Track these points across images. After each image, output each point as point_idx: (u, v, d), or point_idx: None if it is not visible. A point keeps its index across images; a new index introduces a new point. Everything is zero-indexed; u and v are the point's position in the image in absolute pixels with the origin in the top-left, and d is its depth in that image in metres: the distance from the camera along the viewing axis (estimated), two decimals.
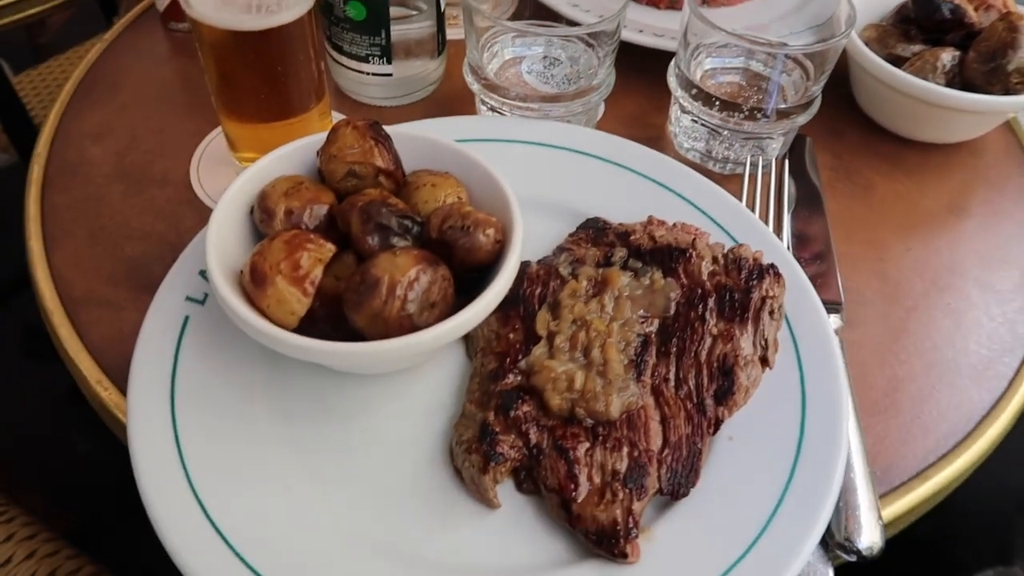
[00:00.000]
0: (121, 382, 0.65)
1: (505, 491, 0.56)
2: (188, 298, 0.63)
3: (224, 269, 0.57)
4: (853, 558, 0.56)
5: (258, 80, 0.68)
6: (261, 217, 0.60)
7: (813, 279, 0.71)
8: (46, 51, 2.12)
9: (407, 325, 0.53)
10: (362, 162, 0.61)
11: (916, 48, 0.85)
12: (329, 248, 0.57)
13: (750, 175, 0.82)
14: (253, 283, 0.55)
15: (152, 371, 0.59)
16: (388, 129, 0.65)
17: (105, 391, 0.65)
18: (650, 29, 0.93)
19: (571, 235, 0.71)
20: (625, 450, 0.55)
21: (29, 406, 1.62)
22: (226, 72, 0.68)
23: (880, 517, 0.57)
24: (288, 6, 0.64)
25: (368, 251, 0.57)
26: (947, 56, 0.81)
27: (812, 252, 0.75)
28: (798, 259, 0.73)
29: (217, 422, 0.58)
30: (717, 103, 0.79)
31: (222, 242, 0.59)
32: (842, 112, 0.92)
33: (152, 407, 0.57)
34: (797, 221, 0.79)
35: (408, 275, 0.53)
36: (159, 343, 0.61)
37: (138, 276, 0.73)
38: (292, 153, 0.64)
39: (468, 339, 0.65)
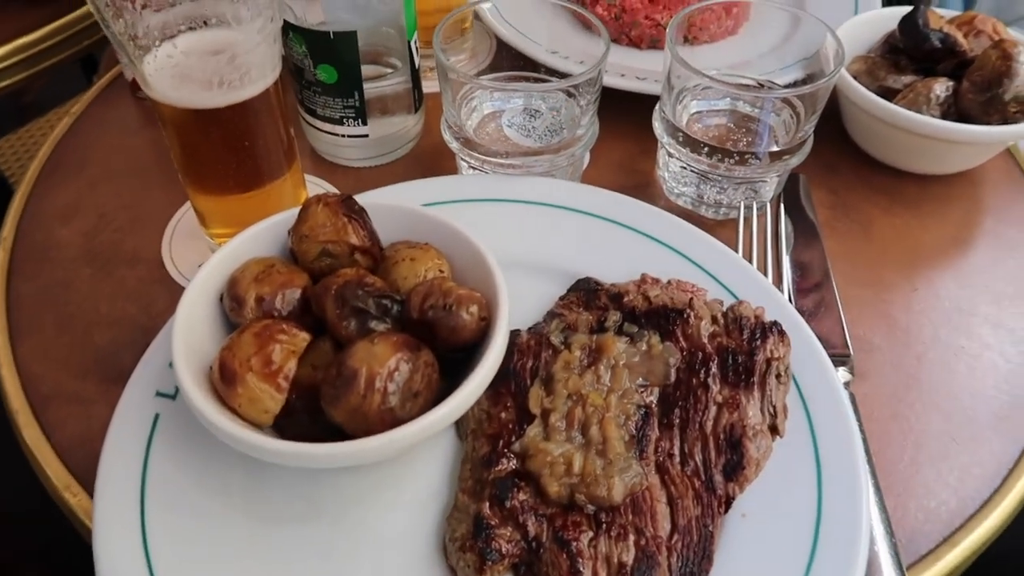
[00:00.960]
0: (91, 485, 0.60)
1: None
2: (159, 393, 0.59)
3: (193, 365, 0.53)
4: None
5: (225, 155, 0.65)
6: (231, 305, 0.57)
7: (818, 328, 0.67)
8: (31, 111, 2.09)
9: (389, 419, 0.50)
10: (336, 240, 0.58)
11: (907, 79, 0.82)
12: (303, 337, 0.53)
13: (745, 219, 0.79)
14: (223, 381, 0.52)
15: (120, 476, 0.55)
16: (363, 200, 0.62)
17: (74, 497, 0.61)
18: (632, 72, 0.91)
19: (561, 298, 0.67)
20: (631, 538, 0.52)
21: None
22: (191, 149, 0.65)
23: None
24: (252, 80, 0.61)
25: (346, 337, 0.54)
26: (940, 87, 0.79)
27: (814, 299, 0.72)
28: (800, 308, 0.70)
29: (191, 529, 0.53)
30: (705, 148, 0.76)
31: (190, 334, 0.55)
32: (835, 146, 0.89)
33: (120, 515, 0.53)
34: (797, 265, 0.76)
35: (388, 365, 0.50)
36: (127, 445, 0.57)
37: (108, 366, 0.69)
38: (262, 233, 0.61)
39: (458, 419, 0.61)
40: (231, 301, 0.56)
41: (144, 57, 0.58)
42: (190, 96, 0.60)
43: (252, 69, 0.61)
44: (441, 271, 0.59)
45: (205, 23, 0.59)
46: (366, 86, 0.79)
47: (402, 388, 0.50)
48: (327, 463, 0.50)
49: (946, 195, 0.85)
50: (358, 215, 0.59)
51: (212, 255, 0.58)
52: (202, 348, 0.56)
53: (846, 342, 0.68)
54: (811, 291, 0.73)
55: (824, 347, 0.62)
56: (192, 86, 0.59)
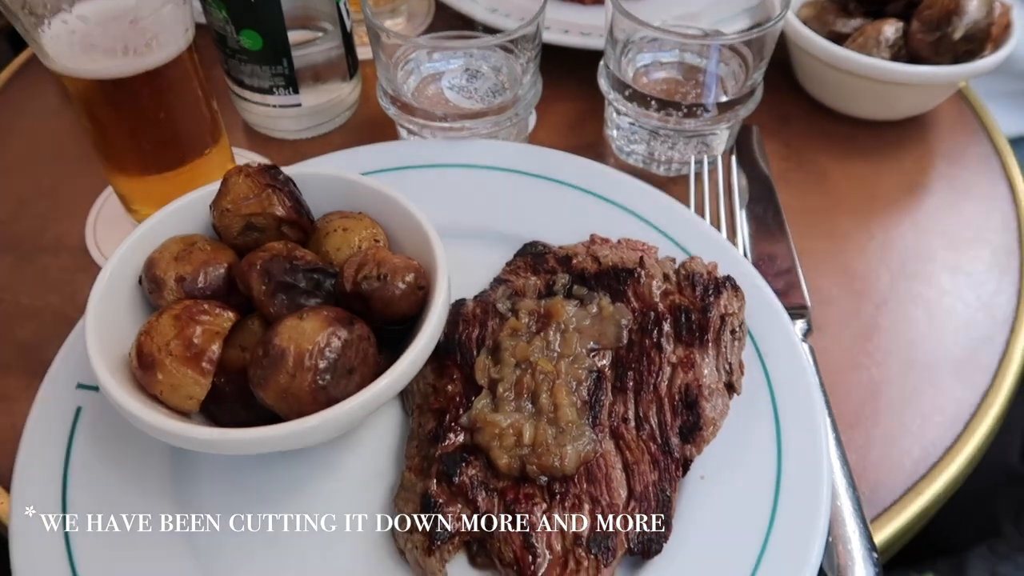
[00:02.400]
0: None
1: (458, 567, 0.50)
2: (80, 385, 0.56)
3: (111, 354, 0.50)
4: None
5: (140, 130, 0.61)
6: (150, 287, 0.53)
7: (774, 282, 0.65)
8: None
9: (323, 398, 0.47)
10: (259, 213, 0.54)
11: (856, 23, 0.80)
12: (227, 317, 0.50)
13: (696, 174, 0.76)
14: (141, 368, 0.48)
15: (39, 473, 0.52)
16: (291, 170, 0.59)
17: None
18: (576, 28, 0.87)
19: (508, 264, 0.64)
20: (586, 508, 0.49)
21: None
22: (103, 126, 0.61)
23: (874, 547, 0.51)
24: (160, 45, 0.57)
25: (275, 315, 0.50)
26: (890, 29, 0.77)
27: (770, 253, 0.70)
28: (756, 263, 0.68)
29: (117, 527, 0.50)
30: (654, 103, 0.73)
31: (108, 322, 0.51)
32: (786, 96, 0.87)
33: (38, 517, 0.50)
34: (752, 218, 0.74)
35: (317, 341, 0.46)
36: (47, 441, 0.53)
37: (31, 360, 0.65)
38: (183, 209, 0.57)
39: (404, 394, 0.58)
40: (150, 283, 0.53)
41: (39, 27, 0.54)
42: (93, 65, 0.55)
43: (160, 33, 0.56)
44: (376, 240, 0.56)
45: None
46: (295, 52, 0.75)
47: (335, 365, 0.47)
48: (258, 448, 0.47)
49: (900, 141, 0.83)
50: (283, 185, 0.55)
51: (127, 235, 0.54)
52: (122, 336, 0.52)
53: (803, 295, 0.66)
54: (767, 245, 0.71)
55: (781, 301, 0.60)
56: (94, 54, 0.55)
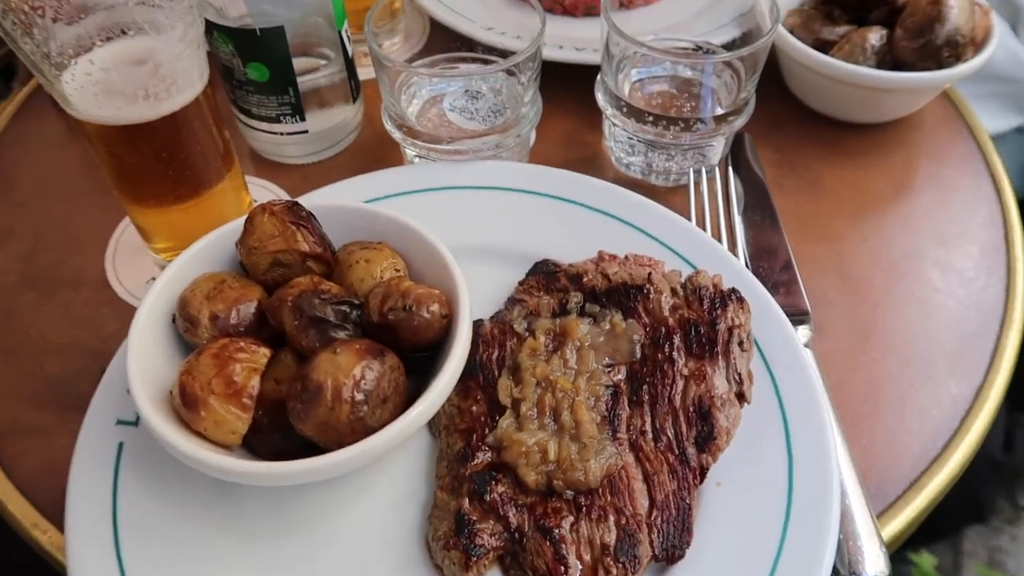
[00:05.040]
0: (60, 521, 0.59)
1: None
2: (120, 421, 0.58)
3: (151, 391, 0.52)
4: None
5: (159, 168, 0.62)
6: (185, 326, 0.55)
7: (776, 290, 0.68)
8: None
9: (360, 428, 0.49)
10: (286, 250, 0.56)
11: (842, 30, 0.83)
12: (263, 353, 0.52)
13: (695, 184, 0.79)
14: (185, 407, 0.50)
15: (90, 509, 0.54)
16: (309, 202, 0.61)
17: (44, 534, 0.60)
18: (569, 42, 0.89)
19: (521, 283, 0.67)
20: (612, 519, 0.52)
21: None
22: (123, 166, 0.63)
23: (882, 542, 0.55)
24: (180, 89, 0.59)
25: (307, 348, 0.53)
26: (875, 36, 0.79)
27: (770, 260, 0.73)
28: (756, 271, 0.71)
29: (168, 555, 0.53)
30: (650, 117, 0.75)
31: (145, 360, 0.54)
32: (777, 103, 0.90)
33: (94, 548, 0.52)
34: (749, 225, 0.77)
35: (353, 374, 0.49)
36: (94, 477, 0.55)
37: (63, 395, 0.67)
38: (209, 247, 0.59)
39: (430, 419, 0.61)
40: (184, 322, 0.55)
41: (61, 76, 0.55)
42: (116, 112, 0.57)
43: (179, 78, 0.58)
44: (397, 270, 0.59)
45: (123, 32, 0.57)
46: (300, 80, 0.77)
47: (370, 396, 0.49)
48: (301, 479, 0.49)
49: (888, 143, 0.86)
50: (306, 221, 0.57)
51: (158, 276, 0.56)
52: (159, 372, 0.54)
53: (804, 301, 0.69)
54: (766, 252, 0.74)
55: (783, 308, 0.63)
56: (117, 101, 0.57)
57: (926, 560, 1.44)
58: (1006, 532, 1.67)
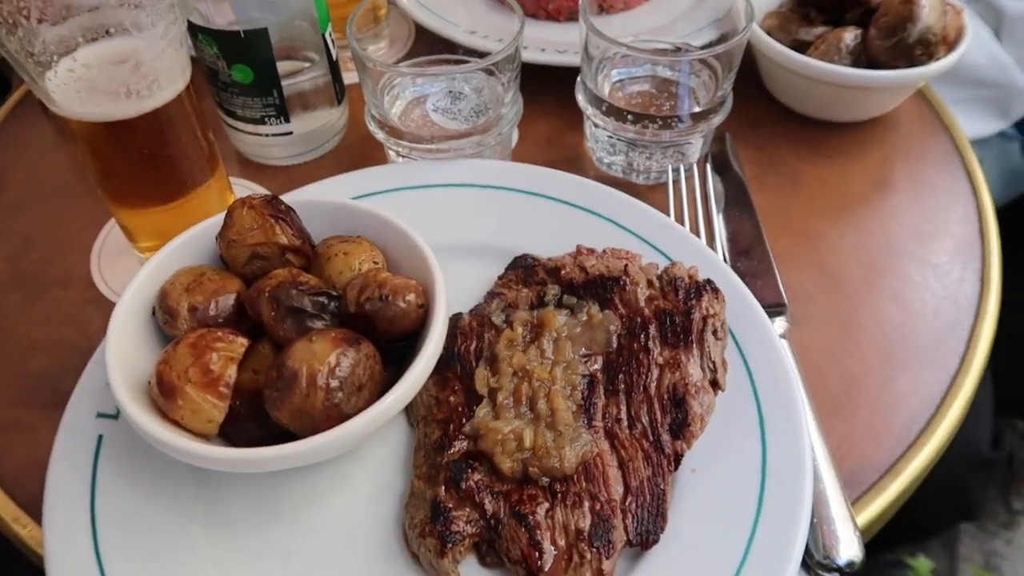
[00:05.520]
0: (40, 515, 0.59)
1: (469, 567, 0.53)
2: (100, 414, 0.58)
3: (130, 382, 0.53)
4: (835, 575, 0.54)
5: (142, 167, 0.63)
6: (164, 318, 0.56)
7: (752, 283, 0.69)
8: None
9: (335, 415, 0.50)
10: (265, 242, 0.57)
11: (818, 31, 0.84)
12: (240, 343, 0.53)
13: (674, 182, 0.80)
14: (162, 395, 0.51)
15: (68, 501, 0.54)
16: (290, 198, 0.62)
17: (24, 528, 0.60)
18: (552, 46, 0.91)
19: (500, 278, 0.68)
20: (586, 505, 0.53)
21: None
22: (106, 163, 0.64)
23: (856, 527, 0.55)
24: (161, 87, 0.60)
25: (284, 338, 0.54)
26: (849, 36, 0.81)
27: (748, 254, 0.74)
28: (735, 265, 0.72)
29: (147, 546, 0.53)
30: (630, 116, 0.77)
31: (125, 352, 0.54)
32: (756, 102, 0.91)
33: (72, 540, 0.53)
34: (729, 222, 0.77)
35: (328, 361, 0.50)
36: (73, 469, 0.56)
37: (48, 391, 0.67)
38: (189, 242, 0.60)
39: (408, 407, 0.61)
40: (163, 314, 0.56)
41: (45, 74, 0.57)
42: (98, 109, 0.58)
43: (160, 76, 0.59)
44: (375, 262, 0.59)
45: (107, 33, 0.58)
46: (284, 82, 0.78)
47: (345, 383, 0.50)
48: (277, 465, 0.50)
49: (865, 141, 0.87)
50: (285, 214, 0.58)
51: (139, 269, 0.57)
52: (139, 364, 0.55)
53: (781, 293, 0.69)
54: (744, 247, 0.75)
55: (760, 300, 0.64)
56: (99, 98, 0.58)
57: (923, 564, 1.44)
58: (1001, 536, 1.67)
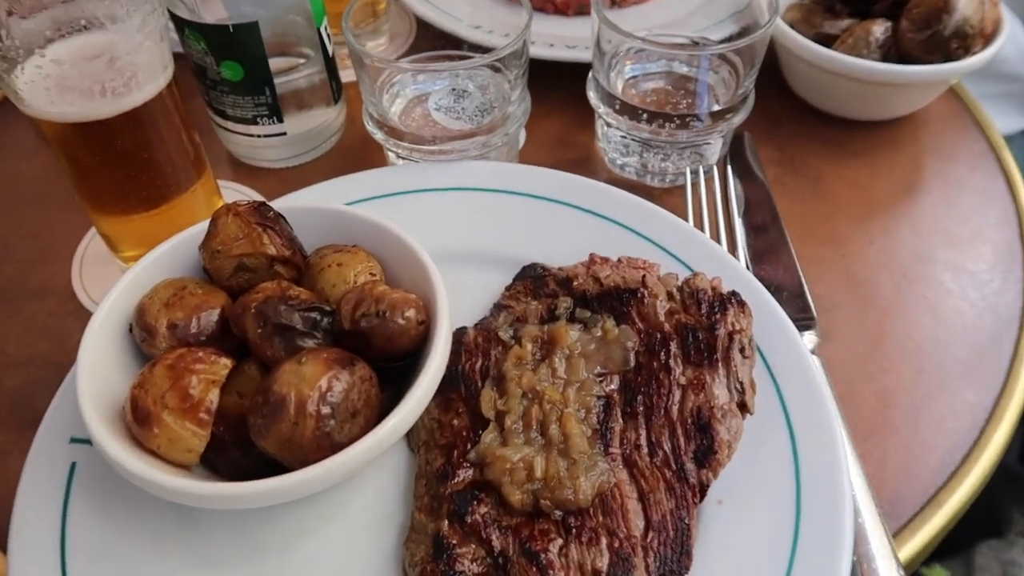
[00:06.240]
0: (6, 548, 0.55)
1: None
2: (74, 439, 0.54)
3: (104, 407, 0.48)
4: None
5: (121, 171, 0.59)
6: (142, 336, 0.51)
7: (778, 294, 0.64)
8: None
9: (327, 445, 0.45)
10: (251, 253, 0.53)
11: (844, 23, 0.79)
12: (224, 364, 0.48)
13: (692, 184, 0.75)
14: (137, 423, 0.46)
15: (36, 532, 0.50)
16: (279, 204, 0.57)
17: None
18: (561, 41, 0.86)
19: (508, 288, 0.63)
20: (604, 542, 0.48)
21: None
22: (83, 168, 0.59)
23: (899, 564, 0.50)
24: (140, 84, 0.55)
25: (272, 358, 0.49)
26: (879, 29, 0.76)
27: (772, 263, 0.69)
28: (758, 274, 0.67)
29: None
30: (645, 115, 0.72)
31: (99, 373, 0.50)
32: (777, 100, 0.86)
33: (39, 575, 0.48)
34: (751, 228, 0.73)
35: (319, 386, 0.45)
36: (42, 499, 0.51)
37: (22, 411, 0.63)
38: (171, 252, 0.55)
39: (408, 431, 0.56)
40: (141, 331, 0.51)
41: (12, 71, 0.52)
42: (70, 108, 0.54)
43: (139, 72, 0.55)
44: (372, 274, 0.55)
45: (85, 27, 0.53)
46: (277, 80, 0.74)
47: (337, 409, 0.45)
48: (261, 502, 0.45)
49: (893, 141, 0.82)
50: (273, 222, 0.53)
51: (114, 279, 0.53)
52: (114, 386, 0.50)
53: (809, 305, 0.65)
54: (767, 254, 0.70)
55: (787, 313, 0.59)
56: (71, 97, 0.53)
57: (939, 574, 1.39)
58: (1019, 545, 1.61)
